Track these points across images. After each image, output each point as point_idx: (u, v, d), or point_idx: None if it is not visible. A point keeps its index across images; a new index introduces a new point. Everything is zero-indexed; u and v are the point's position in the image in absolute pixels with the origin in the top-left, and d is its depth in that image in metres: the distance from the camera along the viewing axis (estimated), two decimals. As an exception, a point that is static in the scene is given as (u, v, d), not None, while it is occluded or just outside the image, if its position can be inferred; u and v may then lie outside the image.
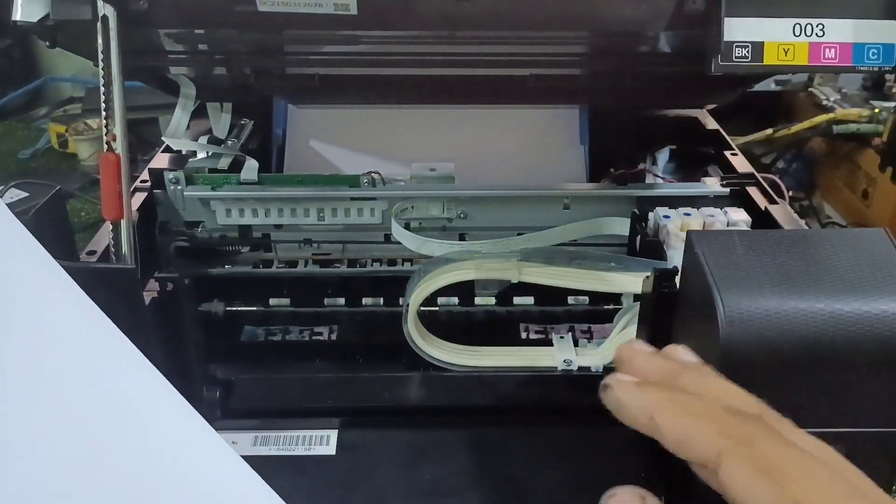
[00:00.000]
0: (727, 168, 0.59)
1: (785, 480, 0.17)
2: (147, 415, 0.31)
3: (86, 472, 0.28)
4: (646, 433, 0.20)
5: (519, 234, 0.52)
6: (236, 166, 0.54)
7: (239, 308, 0.55)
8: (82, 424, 0.29)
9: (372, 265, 0.55)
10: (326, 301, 0.55)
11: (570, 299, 0.55)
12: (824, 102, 0.87)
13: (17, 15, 0.41)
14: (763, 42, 0.40)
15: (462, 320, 0.54)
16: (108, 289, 0.42)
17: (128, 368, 0.31)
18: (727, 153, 0.61)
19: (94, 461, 0.28)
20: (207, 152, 0.57)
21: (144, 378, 0.31)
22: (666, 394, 0.20)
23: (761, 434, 0.19)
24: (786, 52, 0.41)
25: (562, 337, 0.53)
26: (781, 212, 0.51)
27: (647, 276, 0.41)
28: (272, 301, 0.55)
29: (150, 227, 0.53)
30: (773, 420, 0.19)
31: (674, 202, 0.50)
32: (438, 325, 0.50)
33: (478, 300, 0.54)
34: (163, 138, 0.56)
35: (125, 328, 0.43)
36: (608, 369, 0.48)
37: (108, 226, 0.43)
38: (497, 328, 0.56)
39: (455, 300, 0.54)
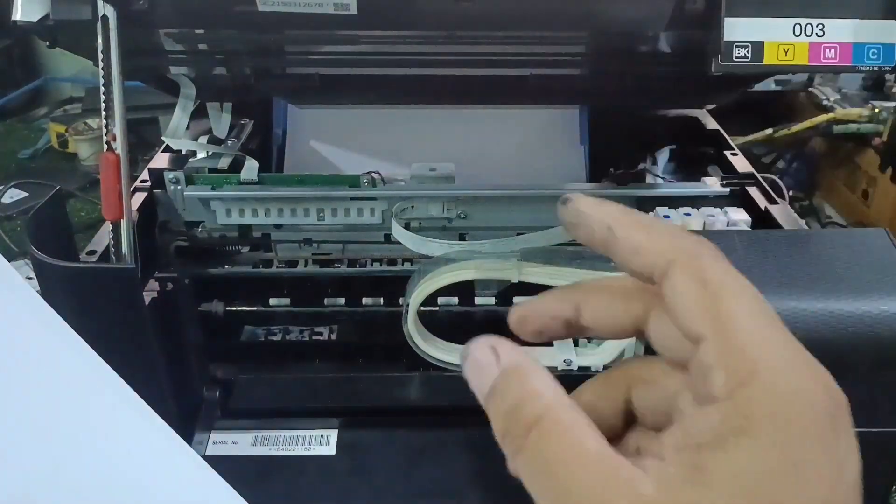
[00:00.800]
0: (727, 168, 0.59)
1: (722, 294, 0.19)
2: (106, 420, 0.30)
3: (47, 480, 0.27)
4: (599, 248, 0.21)
5: (519, 234, 0.52)
6: (236, 166, 0.54)
7: (239, 308, 0.55)
8: (42, 430, 0.29)
9: (372, 265, 0.55)
10: (326, 301, 0.55)
11: (571, 299, 0.55)
12: (824, 102, 0.87)
13: (17, 15, 0.41)
14: (763, 42, 0.40)
15: (462, 320, 0.54)
16: (108, 289, 0.42)
17: (87, 371, 0.31)
18: (727, 153, 0.61)
19: (55, 469, 0.28)
20: (207, 152, 0.57)
21: (102, 379, 0.31)
22: (625, 209, 0.21)
23: (710, 253, 0.20)
24: (786, 52, 0.41)
25: (562, 337, 0.53)
26: (781, 212, 0.51)
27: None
28: (272, 301, 0.55)
29: (150, 227, 0.53)
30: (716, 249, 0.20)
31: (674, 202, 0.50)
32: (438, 325, 0.50)
33: (478, 300, 0.54)
34: (163, 138, 0.56)
35: (125, 328, 0.43)
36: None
37: (108, 226, 0.43)
38: (497, 328, 0.55)
39: (455, 300, 0.54)
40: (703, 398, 0.18)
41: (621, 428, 0.22)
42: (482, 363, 0.21)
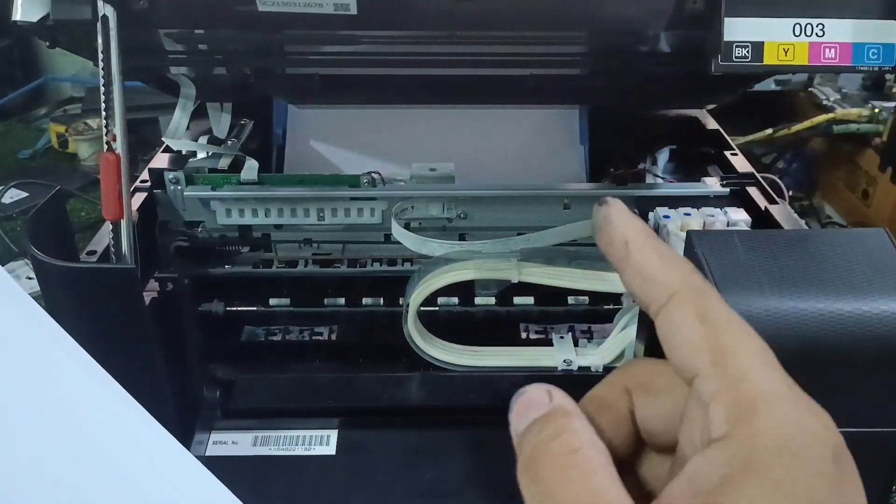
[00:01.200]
0: (727, 168, 0.59)
1: (720, 329, 0.18)
2: (93, 415, 0.30)
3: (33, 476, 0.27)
4: (613, 259, 0.21)
5: (519, 234, 0.52)
6: (236, 166, 0.54)
7: (239, 308, 0.55)
8: (33, 430, 0.29)
9: (372, 265, 0.55)
10: (326, 301, 0.55)
11: (570, 299, 0.55)
12: (824, 102, 0.87)
13: (17, 15, 0.41)
14: (763, 42, 0.40)
15: (462, 320, 0.54)
16: (108, 289, 0.42)
17: (79, 372, 0.31)
18: (727, 153, 0.61)
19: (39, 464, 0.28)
20: (207, 152, 0.57)
21: (89, 378, 0.31)
22: (647, 231, 0.21)
23: (713, 293, 0.19)
24: (786, 52, 0.41)
25: (562, 337, 0.53)
26: (781, 212, 0.51)
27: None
28: (272, 301, 0.55)
29: (150, 227, 0.53)
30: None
31: (674, 202, 0.50)
32: (438, 325, 0.50)
33: (478, 300, 0.54)
34: (163, 138, 0.56)
35: (125, 328, 0.43)
36: (608, 369, 0.48)
37: (108, 226, 0.43)
38: (497, 328, 0.56)
39: (455, 300, 0.54)
40: (702, 441, 0.18)
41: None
42: (535, 400, 0.21)
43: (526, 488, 0.19)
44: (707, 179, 0.55)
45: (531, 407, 0.21)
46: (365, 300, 0.55)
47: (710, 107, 0.69)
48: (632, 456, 0.22)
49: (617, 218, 0.21)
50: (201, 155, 0.57)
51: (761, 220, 0.51)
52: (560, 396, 0.21)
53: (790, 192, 0.71)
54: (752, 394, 0.17)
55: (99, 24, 0.41)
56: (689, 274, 0.20)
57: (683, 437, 0.19)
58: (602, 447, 0.19)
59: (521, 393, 0.21)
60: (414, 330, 0.48)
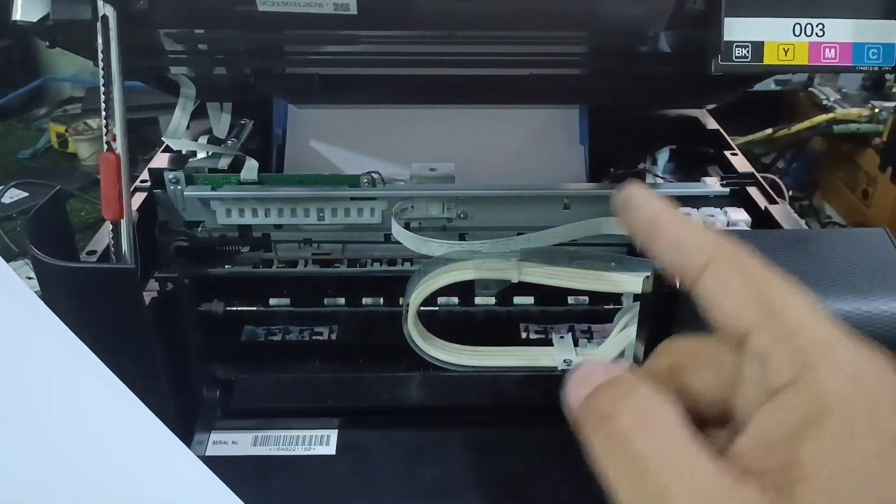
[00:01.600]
0: (727, 168, 0.59)
1: (767, 283, 0.19)
2: (102, 419, 0.30)
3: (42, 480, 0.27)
4: (640, 236, 0.21)
5: (519, 234, 0.52)
6: (236, 166, 0.54)
7: (239, 308, 0.55)
8: (37, 431, 0.29)
9: (372, 265, 0.55)
10: (326, 301, 0.55)
11: (570, 299, 0.55)
12: (824, 102, 0.87)
13: (17, 15, 0.41)
14: (763, 42, 0.40)
15: (462, 320, 0.54)
16: (108, 289, 0.42)
17: (83, 371, 0.31)
18: (727, 153, 0.61)
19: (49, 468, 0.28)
20: (207, 152, 0.57)
21: (95, 378, 0.31)
22: (671, 205, 0.21)
23: (753, 254, 0.19)
24: (786, 52, 0.41)
25: (562, 337, 0.53)
26: (781, 212, 0.51)
27: (647, 276, 0.41)
28: (272, 301, 0.55)
29: (150, 227, 0.53)
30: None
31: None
32: (438, 325, 0.50)
33: (478, 300, 0.54)
34: (163, 138, 0.56)
35: (125, 328, 0.43)
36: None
37: (108, 226, 0.43)
38: (497, 328, 0.55)
39: (455, 300, 0.54)
40: (763, 394, 0.17)
41: None
42: (595, 371, 0.20)
43: (601, 442, 0.18)
44: (707, 179, 0.55)
45: (592, 376, 0.20)
46: (365, 300, 0.55)
47: (710, 107, 0.69)
48: None
49: (637, 195, 0.21)
50: (201, 155, 0.57)
51: (761, 220, 0.51)
52: (621, 368, 0.20)
53: (790, 192, 0.71)
54: (811, 341, 0.17)
55: (99, 24, 0.41)
56: (722, 237, 0.20)
57: (739, 401, 0.18)
58: (676, 402, 0.19)
59: (578, 367, 0.21)
60: (414, 330, 0.48)
